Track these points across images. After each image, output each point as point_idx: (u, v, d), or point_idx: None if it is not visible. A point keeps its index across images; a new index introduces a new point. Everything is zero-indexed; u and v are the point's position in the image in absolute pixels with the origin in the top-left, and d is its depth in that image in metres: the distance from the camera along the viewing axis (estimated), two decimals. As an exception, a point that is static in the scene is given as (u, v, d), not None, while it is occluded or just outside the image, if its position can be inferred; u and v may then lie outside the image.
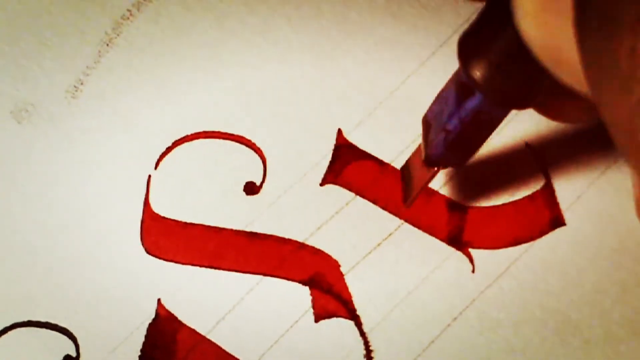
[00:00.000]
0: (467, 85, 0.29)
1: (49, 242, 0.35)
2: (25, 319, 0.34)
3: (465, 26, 0.28)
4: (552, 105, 0.30)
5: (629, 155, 0.21)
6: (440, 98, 0.31)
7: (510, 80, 0.27)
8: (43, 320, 0.34)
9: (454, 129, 0.30)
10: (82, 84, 0.37)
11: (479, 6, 0.28)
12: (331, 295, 0.34)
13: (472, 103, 0.29)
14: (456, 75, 0.30)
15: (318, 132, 0.36)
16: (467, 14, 0.37)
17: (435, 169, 0.32)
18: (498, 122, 0.30)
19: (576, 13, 0.21)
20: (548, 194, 0.35)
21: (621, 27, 0.20)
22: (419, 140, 0.35)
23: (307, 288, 0.34)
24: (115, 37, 0.38)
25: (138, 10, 0.38)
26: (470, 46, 0.28)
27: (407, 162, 0.34)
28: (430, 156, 0.31)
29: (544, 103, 0.30)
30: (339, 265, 0.35)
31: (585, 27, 0.21)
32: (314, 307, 0.34)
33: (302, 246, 0.35)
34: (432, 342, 0.33)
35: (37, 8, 0.38)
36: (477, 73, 0.28)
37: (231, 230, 0.35)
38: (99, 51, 0.38)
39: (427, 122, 0.31)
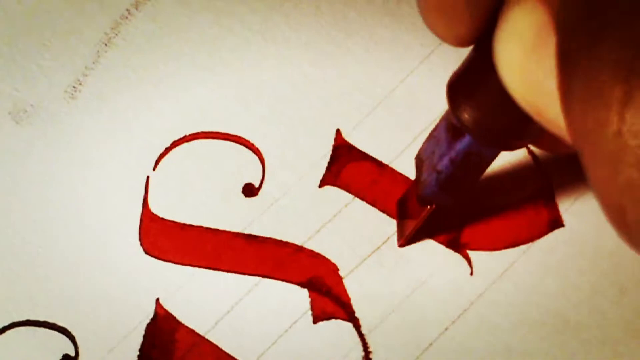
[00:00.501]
0: (457, 126, 0.29)
1: (47, 242, 0.35)
2: (24, 319, 0.34)
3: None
4: (544, 140, 0.29)
5: (618, 232, 0.20)
6: (432, 137, 0.31)
7: (499, 123, 0.27)
8: (42, 319, 0.34)
9: (444, 169, 0.30)
10: (80, 84, 0.37)
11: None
12: (330, 298, 0.34)
13: (462, 144, 0.29)
14: (446, 116, 0.30)
15: (317, 132, 0.36)
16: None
17: (429, 207, 0.32)
18: (488, 163, 0.30)
19: (561, 86, 0.21)
20: (547, 195, 0.35)
21: (608, 109, 0.19)
22: (418, 141, 0.36)
23: (305, 290, 0.34)
24: (114, 37, 0.38)
25: (137, 9, 0.38)
26: (458, 89, 0.28)
27: (402, 197, 0.34)
28: (423, 196, 0.32)
29: (536, 139, 0.29)
30: (338, 269, 0.35)
31: (571, 102, 0.20)
32: (312, 308, 0.34)
33: (300, 249, 0.35)
34: (431, 344, 0.33)
35: (36, 8, 0.38)
36: (466, 115, 0.27)
37: (229, 232, 0.35)
38: (98, 51, 0.38)
39: (419, 161, 0.32)
